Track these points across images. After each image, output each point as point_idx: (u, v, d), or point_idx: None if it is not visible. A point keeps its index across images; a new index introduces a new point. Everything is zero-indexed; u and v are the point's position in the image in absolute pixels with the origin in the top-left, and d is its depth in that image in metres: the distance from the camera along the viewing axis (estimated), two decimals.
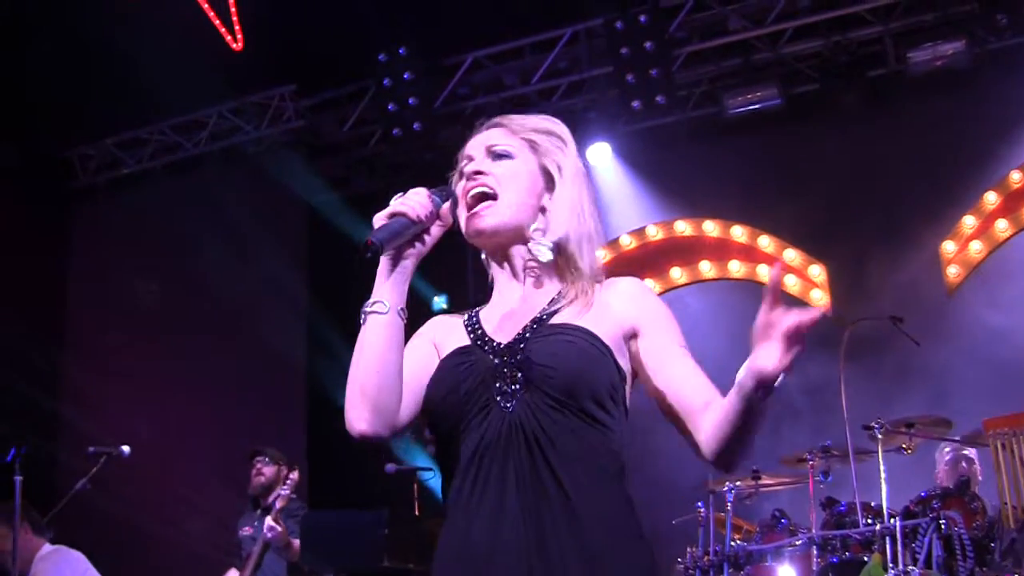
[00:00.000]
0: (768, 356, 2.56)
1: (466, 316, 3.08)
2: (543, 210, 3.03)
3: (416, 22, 11.63)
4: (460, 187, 3.03)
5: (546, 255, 2.97)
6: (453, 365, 2.84)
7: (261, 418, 11.55)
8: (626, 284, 3.02)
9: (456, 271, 12.86)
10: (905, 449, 8.28)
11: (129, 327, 12.39)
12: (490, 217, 2.97)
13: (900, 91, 10.98)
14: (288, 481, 9.11)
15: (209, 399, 11.87)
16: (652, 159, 11.86)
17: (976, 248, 10.66)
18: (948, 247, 10.72)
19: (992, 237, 10.64)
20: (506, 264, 3.07)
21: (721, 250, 11.66)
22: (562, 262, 3.01)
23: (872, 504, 7.85)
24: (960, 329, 10.11)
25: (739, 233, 11.62)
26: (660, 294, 11.51)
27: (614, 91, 11.65)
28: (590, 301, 2.92)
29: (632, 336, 2.92)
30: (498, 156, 3.03)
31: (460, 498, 2.75)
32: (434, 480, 11.27)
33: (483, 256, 3.16)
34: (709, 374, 2.91)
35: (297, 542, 8.82)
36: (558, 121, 3.17)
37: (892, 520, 7.44)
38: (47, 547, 8.28)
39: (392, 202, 2.83)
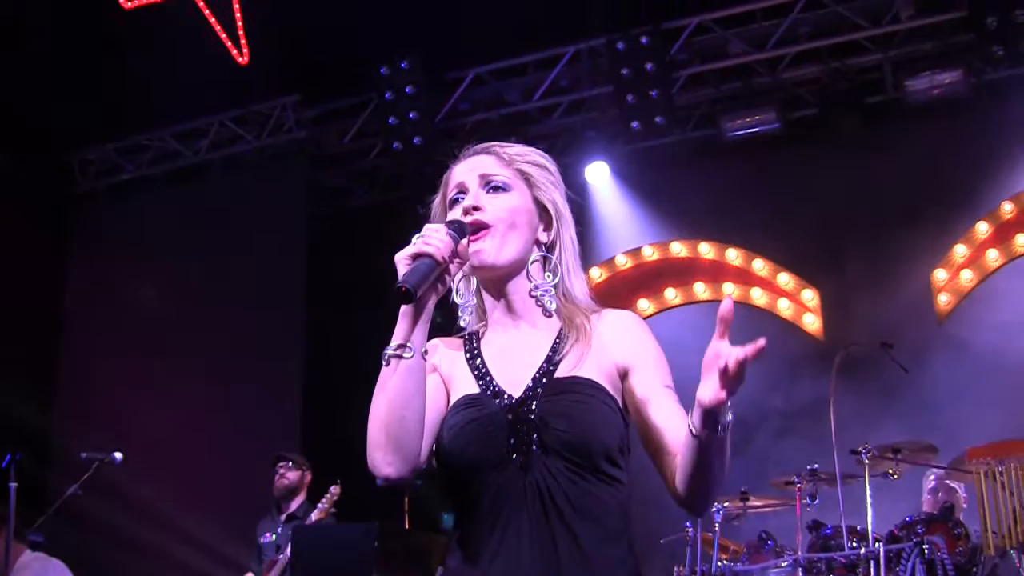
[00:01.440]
0: (707, 389, 2.52)
1: (465, 347, 3.06)
2: (538, 243, 3.03)
3: (419, 36, 11.72)
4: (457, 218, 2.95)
5: (552, 305, 2.99)
6: (467, 419, 2.82)
7: (255, 429, 11.58)
8: (621, 318, 3.04)
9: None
10: (891, 474, 8.35)
11: (127, 332, 12.44)
12: (490, 251, 2.93)
13: (897, 118, 11.09)
14: (328, 495, 9.15)
15: (205, 407, 11.89)
16: (649, 179, 11.94)
17: (967, 277, 10.77)
18: (939, 275, 10.83)
19: (983, 266, 10.76)
20: (502, 298, 3.02)
21: (716, 272, 11.76)
22: (560, 299, 3.02)
23: (858, 528, 7.92)
24: (949, 357, 10.18)
25: (734, 256, 11.72)
26: (654, 314, 11.72)
27: (614, 111, 11.74)
28: (589, 339, 2.93)
29: (625, 372, 2.94)
30: (494, 188, 3.00)
31: (474, 546, 2.77)
32: (425, 492, 11.34)
33: (469, 285, 3.12)
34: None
35: None
36: (545, 154, 3.15)
37: (877, 544, 7.54)
38: (28, 554, 8.11)
39: (414, 241, 2.76)
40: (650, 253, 12.01)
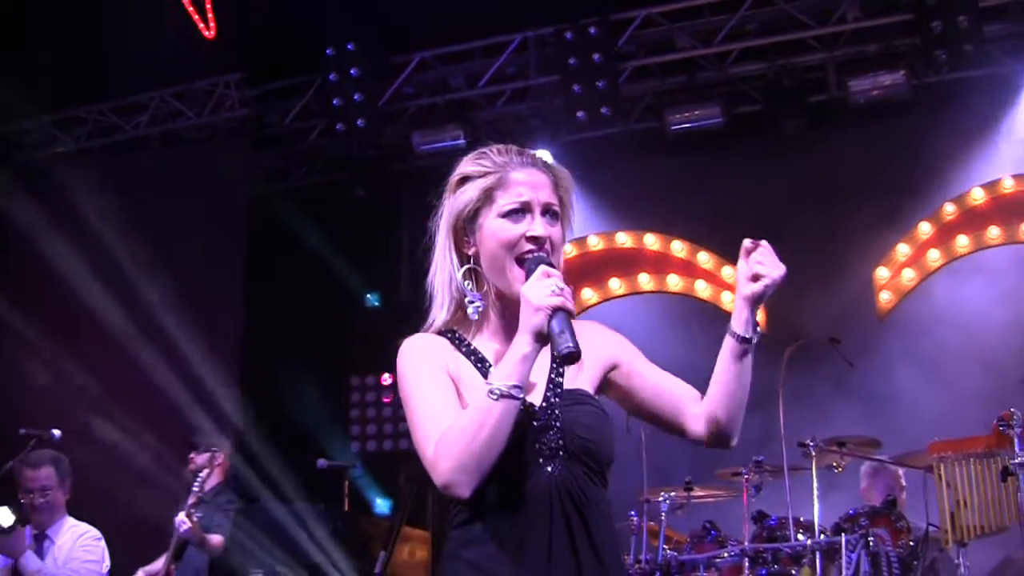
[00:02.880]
0: (752, 280, 3.11)
1: (457, 347, 3.18)
2: None
3: (366, 18, 11.68)
4: (513, 236, 3.07)
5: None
6: None
7: (192, 409, 11.47)
8: (592, 328, 3.27)
9: (390, 269, 12.97)
10: (836, 467, 8.50)
11: (60, 310, 12.25)
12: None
13: (840, 118, 11.25)
14: (204, 472, 9.01)
15: (139, 388, 11.74)
16: (594, 170, 11.93)
17: (908, 276, 11.00)
18: (882, 273, 11.05)
19: (924, 266, 10.99)
20: (510, 310, 3.11)
21: (660, 263, 11.87)
22: None
23: (802, 519, 8.03)
24: (890, 353, 10.38)
25: (679, 248, 11.84)
26: (597, 304, 11.80)
27: (559, 100, 11.77)
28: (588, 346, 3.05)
29: (612, 368, 3.23)
30: (552, 215, 3.13)
31: (500, 541, 2.92)
32: (363, 478, 11.34)
33: (477, 288, 3.21)
34: None
35: (216, 537, 8.68)
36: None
37: (822, 535, 7.66)
38: None
39: (545, 291, 2.85)
40: (595, 243, 12.08)
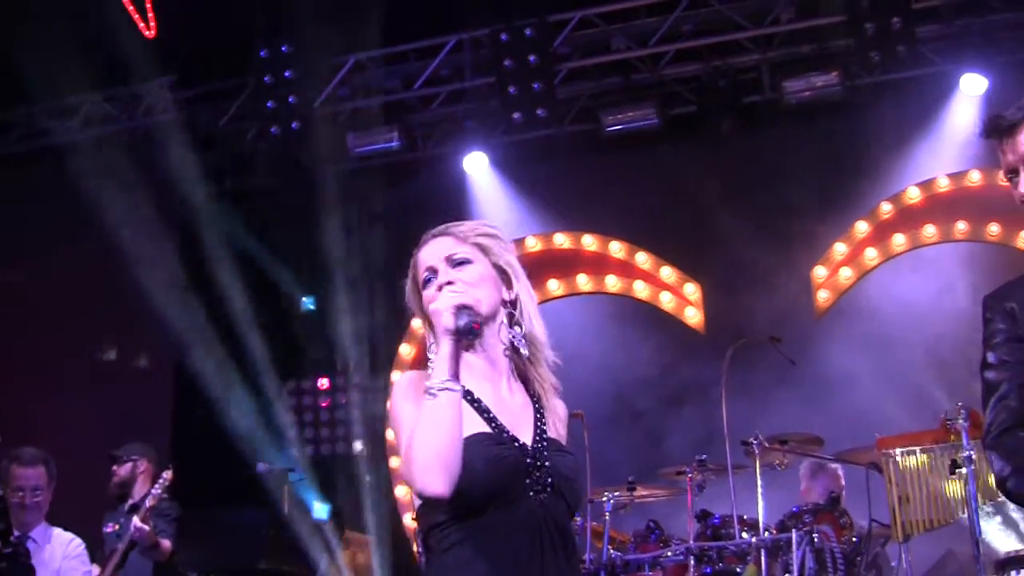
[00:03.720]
0: None
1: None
2: (503, 302, 3.45)
3: (300, 20, 11.58)
4: (432, 296, 3.37)
5: (526, 350, 3.47)
6: (491, 454, 3.19)
7: (126, 414, 11.33)
8: (563, 410, 3.56)
9: (325, 273, 12.87)
10: (779, 465, 8.54)
11: None
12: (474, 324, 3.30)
13: (774, 119, 11.31)
14: (161, 480, 8.96)
15: (71, 394, 11.58)
16: (530, 171, 11.99)
17: (846, 275, 11.10)
18: (819, 272, 11.13)
19: (861, 265, 11.10)
20: (482, 351, 3.42)
21: (599, 264, 11.88)
22: (531, 351, 3.50)
23: (746, 517, 8.06)
24: (829, 351, 10.45)
25: (617, 248, 11.86)
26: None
27: (494, 101, 11.75)
28: (555, 413, 3.49)
29: None
30: (458, 264, 3.42)
31: (489, 563, 3.16)
32: (302, 483, 11.24)
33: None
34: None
35: (167, 542, 8.65)
36: (494, 225, 3.61)
37: (767, 533, 7.69)
38: None
39: (446, 298, 3.24)
40: (533, 244, 12.06)
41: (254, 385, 11.96)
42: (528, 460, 3.25)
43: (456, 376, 3.14)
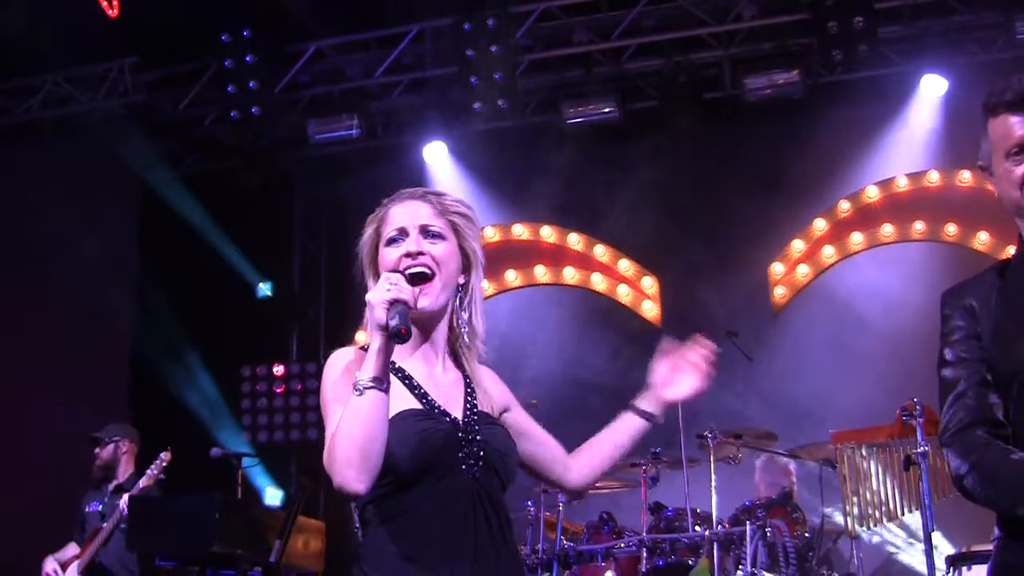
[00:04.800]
0: (682, 386, 3.66)
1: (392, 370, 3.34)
2: (457, 286, 3.46)
3: (262, 5, 11.53)
4: (394, 259, 3.35)
5: (468, 336, 3.50)
6: (421, 428, 3.22)
7: (81, 395, 11.24)
8: (490, 373, 3.62)
9: (283, 260, 12.84)
10: (733, 459, 8.58)
11: None
12: (430, 298, 3.35)
13: (735, 115, 11.37)
14: (157, 461, 9.00)
15: (30, 377, 11.48)
16: (489, 162, 12.00)
17: (803, 272, 11.18)
18: (777, 268, 11.20)
19: (818, 262, 11.19)
20: (424, 331, 3.44)
21: (557, 256, 11.92)
22: (469, 340, 3.53)
23: (699, 510, 8.09)
24: (785, 347, 10.53)
25: (575, 240, 11.91)
26: (493, 295, 11.79)
27: (455, 91, 11.71)
28: (484, 387, 3.51)
29: (504, 410, 3.57)
30: (432, 235, 3.38)
31: (430, 535, 3.18)
32: (256, 468, 11.19)
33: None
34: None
35: None
36: (470, 205, 3.55)
37: (720, 526, 7.73)
38: None
39: (382, 290, 3.11)
40: (492, 234, 12.05)
41: (210, 370, 11.92)
42: (459, 434, 3.26)
43: (384, 373, 3.09)
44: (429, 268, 3.32)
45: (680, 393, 3.67)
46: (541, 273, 11.88)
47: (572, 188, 11.69)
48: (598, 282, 11.75)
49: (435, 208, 3.40)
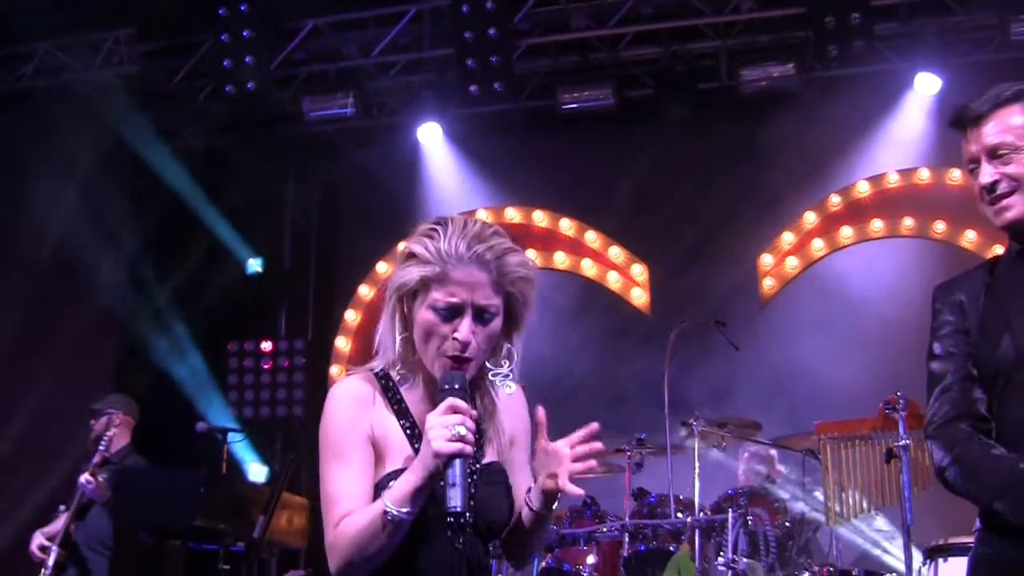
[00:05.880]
0: (551, 481, 3.15)
1: (387, 398, 3.28)
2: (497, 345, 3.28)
3: None
4: (439, 334, 3.15)
5: (510, 390, 3.34)
6: None
7: (68, 368, 11.25)
8: (517, 396, 3.44)
9: (274, 236, 12.85)
10: (717, 448, 8.66)
11: None
12: (465, 375, 3.13)
13: (730, 106, 11.36)
14: (106, 436, 8.97)
15: (18, 349, 11.47)
16: (483, 145, 12.03)
17: (792, 264, 11.24)
18: (766, 260, 11.28)
19: (808, 255, 11.25)
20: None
21: (548, 240, 11.96)
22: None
23: (682, 497, 8.16)
24: (769, 339, 10.57)
25: (567, 226, 11.96)
26: None
27: (452, 73, 11.72)
28: (499, 422, 3.36)
29: (509, 443, 3.41)
30: (484, 320, 3.15)
31: None
32: (241, 444, 11.23)
33: (410, 353, 3.29)
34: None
35: None
36: (533, 264, 3.34)
37: (702, 514, 7.80)
38: None
39: (446, 435, 2.93)
40: (484, 217, 12.04)
41: (197, 345, 11.93)
42: None
43: (417, 506, 2.99)
44: (473, 356, 3.15)
45: (552, 485, 3.18)
46: (532, 257, 11.90)
47: (565, 174, 11.74)
48: (588, 268, 11.81)
49: (494, 279, 3.15)
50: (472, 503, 3.12)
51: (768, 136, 11.01)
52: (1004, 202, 3.46)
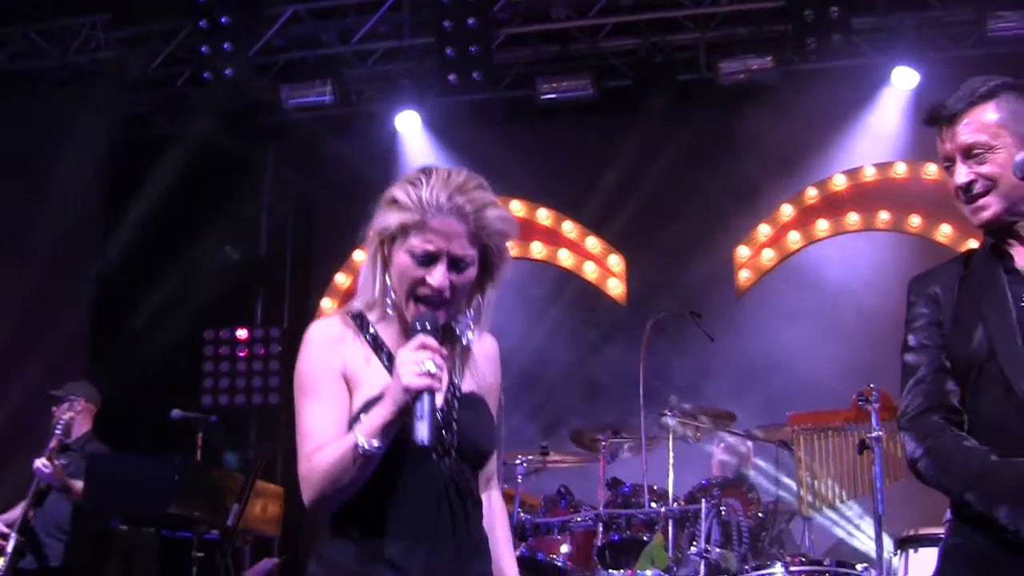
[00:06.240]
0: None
1: (363, 335, 3.33)
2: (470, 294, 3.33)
3: None
4: (412, 277, 3.21)
5: (466, 340, 3.36)
6: None
7: (40, 355, 11.19)
8: (491, 346, 3.53)
9: (251, 224, 12.81)
10: (692, 438, 8.68)
11: None
12: (438, 318, 3.18)
13: (708, 98, 11.39)
14: (60, 422, 8.93)
15: None
16: (461, 134, 12.02)
17: (768, 256, 11.28)
18: (742, 252, 11.32)
19: (784, 247, 11.29)
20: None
21: (525, 230, 11.87)
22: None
23: (656, 487, 8.18)
24: (745, 331, 10.61)
25: (544, 215, 11.97)
26: None
27: (431, 62, 11.72)
28: (475, 361, 3.41)
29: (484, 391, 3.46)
30: (459, 268, 3.21)
31: (390, 526, 3.15)
32: (216, 432, 11.17)
33: (392, 291, 3.32)
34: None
35: (79, 484, 8.67)
36: (512, 219, 3.42)
37: (675, 504, 7.83)
38: None
39: (416, 370, 2.97)
40: None
41: (172, 332, 11.87)
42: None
43: (388, 440, 3.02)
44: (448, 301, 3.21)
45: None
46: (508, 247, 11.89)
47: (543, 164, 11.74)
48: (565, 258, 11.83)
49: (471, 231, 3.22)
50: (455, 427, 3.22)
51: (746, 128, 11.06)
52: (980, 202, 3.48)
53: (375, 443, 3.01)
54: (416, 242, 3.19)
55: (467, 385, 3.35)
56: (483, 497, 3.44)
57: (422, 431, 2.93)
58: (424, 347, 3.02)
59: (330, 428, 3.17)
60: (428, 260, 3.18)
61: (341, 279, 12.27)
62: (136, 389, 11.05)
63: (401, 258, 3.22)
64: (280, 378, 12.05)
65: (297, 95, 11.89)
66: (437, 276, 3.17)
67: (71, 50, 12.38)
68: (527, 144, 11.83)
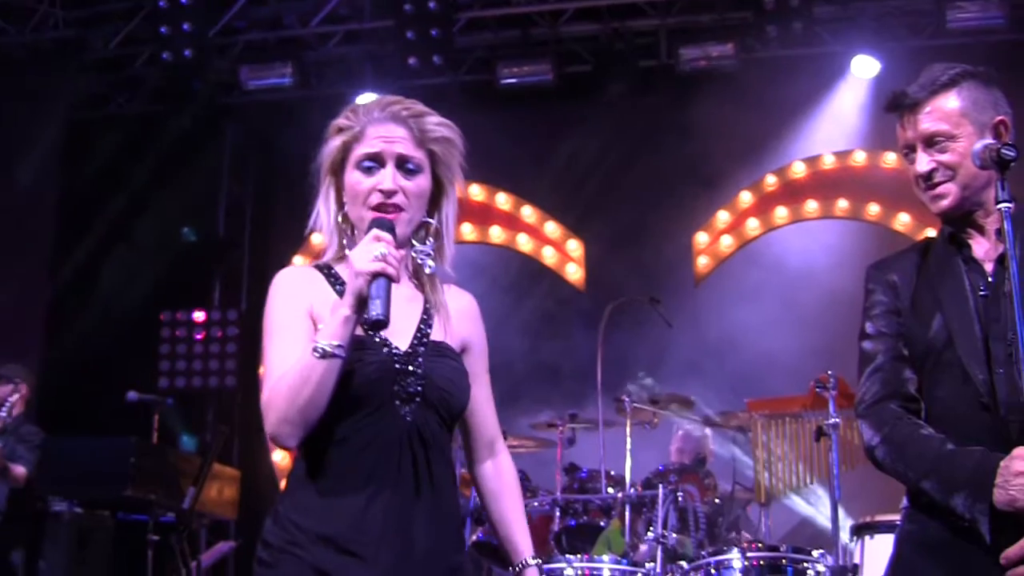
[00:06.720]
0: None
1: (329, 281, 3.25)
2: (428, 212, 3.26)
3: None
4: (365, 189, 3.16)
5: (428, 269, 3.25)
6: (357, 359, 3.04)
7: None
8: (467, 301, 3.43)
9: (209, 205, 12.74)
10: (649, 424, 8.70)
11: None
12: (398, 236, 3.11)
13: (668, 85, 11.43)
14: (6, 404, 8.85)
15: None
16: None
17: (727, 243, 11.34)
18: (701, 238, 11.34)
19: (742, 234, 11.36)
20: None
21: (484, 215, 11.94)
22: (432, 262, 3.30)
23: (613, 473, 8.20)
24: (702, 317, 10.65)
25: (503, 200, 11.97)
26: None
27: (392, 45, 11.67)
28: (448, 313, 3.28)
29: (464, 349, 3.34)
30: (408, 171, 3.18)
31: (350, 475, 3.05)
32: (172, 414, 11.14)
33: (344, 224, 3.29)
34: None
35: (20, 468, 8.61)
36: (454, 126, 3.35)
37: (632, 489, 7.84)
38: None
39: (369, 256, 2.91)
40: None
41: (129, 313, 11.81)
42: (396, 366, 3.10)
43: (347, 340, 2.94)
44: (402, 207, 3.15)
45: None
46: (467, 231, 11.88)
47: (503, 148, 11.69)
48: (524, 243, 11.84)
49: (415, 136, 3.21)
50: (420, 372, 3.10)
51: (705, 115, 11.04)
52: (939, 189, 3.48)
53: (335, 343, 2.91)
54: (360, 151, 3.18)
55: (437, 334, 3.23)
56: (489, 463, 3.45)
57: (375, 308, 2.88)
58: (378, 240, 2.97)
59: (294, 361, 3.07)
60: (374, 165, 3.16)
61: (299, 261, 12.20)
62: (92, 371, 11.00)
63: (350, 177, 3.20)
64: (237, 361, 11.98)
65: (257, 76, 11.84)
66: (387, 178, 3.14)
67: (28, 28, 12.24)
68: (486, 129, 11.63)
